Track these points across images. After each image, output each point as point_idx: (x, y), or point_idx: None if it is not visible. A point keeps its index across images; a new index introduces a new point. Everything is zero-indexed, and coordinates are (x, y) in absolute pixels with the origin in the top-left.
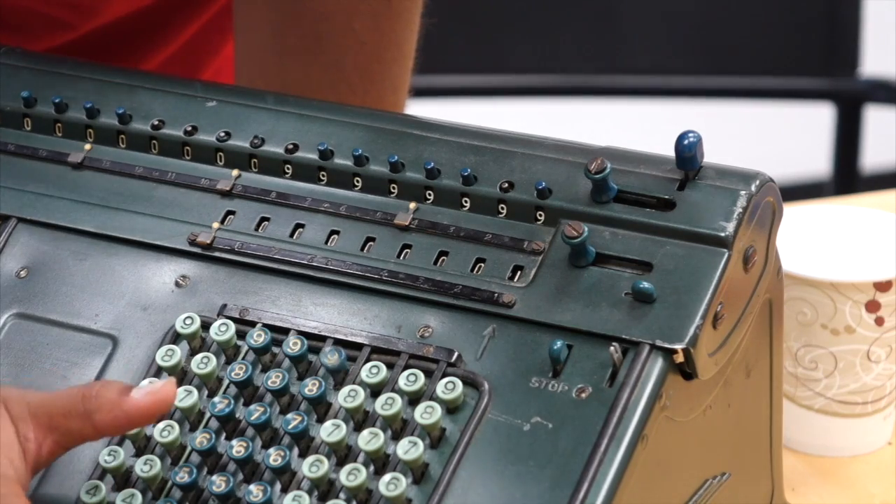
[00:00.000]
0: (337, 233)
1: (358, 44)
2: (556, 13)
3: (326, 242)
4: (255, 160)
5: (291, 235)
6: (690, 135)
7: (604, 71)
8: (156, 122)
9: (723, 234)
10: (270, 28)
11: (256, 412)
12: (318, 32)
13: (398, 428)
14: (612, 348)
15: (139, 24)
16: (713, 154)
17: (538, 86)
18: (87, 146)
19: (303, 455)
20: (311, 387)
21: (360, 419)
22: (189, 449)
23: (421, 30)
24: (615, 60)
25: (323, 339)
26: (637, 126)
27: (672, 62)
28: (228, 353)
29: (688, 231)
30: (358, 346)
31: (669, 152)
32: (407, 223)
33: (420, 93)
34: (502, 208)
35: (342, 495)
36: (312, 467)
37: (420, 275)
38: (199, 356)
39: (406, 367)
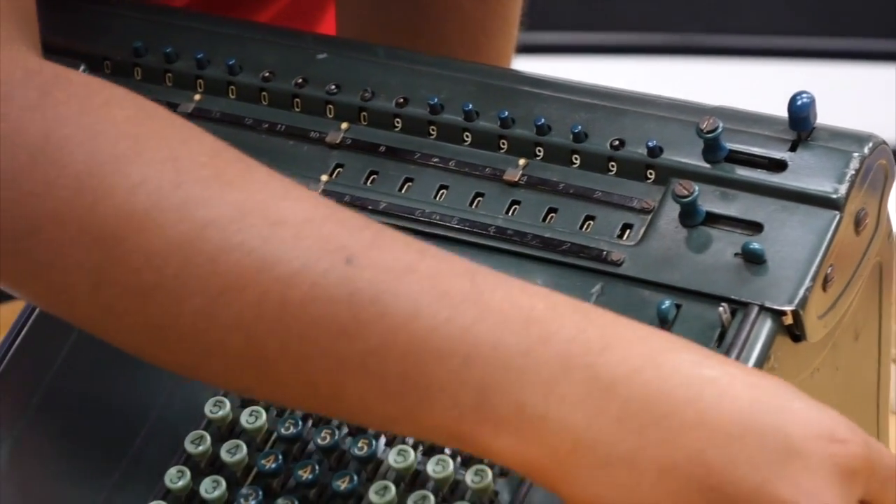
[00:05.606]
0: (446, 187)
1: (464, 18)
2: None
3: (435, 197)
4: (365, 113)
5: (400, 190)
6: (804, 95)
7: (713, 31)
8: (266, 74)
9: (835, 196)
10: (374, 1)
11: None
12: (423, 6)
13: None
14: (720, 309)
15: None
16: (823, 116)
17: (647, 44)
18: (197, 96)
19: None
20: None
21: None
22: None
23: None
24: (725, 20)
25: None
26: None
27: (784, 22)
28: None
29: (799, 192)
30: None
31: (778, 114)
32: (516, 179)
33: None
34: (612, 166)
35: None
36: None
37: (528, 231)
38: None
39: None
